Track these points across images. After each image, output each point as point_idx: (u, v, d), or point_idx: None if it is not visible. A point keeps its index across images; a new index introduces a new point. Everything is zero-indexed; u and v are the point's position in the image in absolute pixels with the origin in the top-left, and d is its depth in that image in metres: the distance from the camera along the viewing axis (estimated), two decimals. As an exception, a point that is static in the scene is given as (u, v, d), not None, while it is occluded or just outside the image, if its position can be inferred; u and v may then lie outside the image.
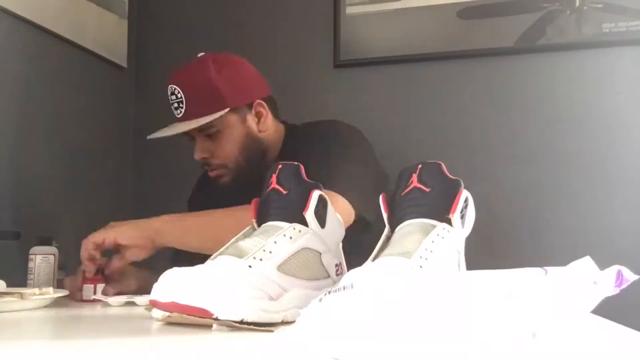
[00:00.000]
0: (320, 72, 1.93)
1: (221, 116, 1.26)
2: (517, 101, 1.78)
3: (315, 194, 0.77)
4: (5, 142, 1.50)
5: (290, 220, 0.76)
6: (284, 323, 0.70)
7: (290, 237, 0.74)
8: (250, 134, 1.32)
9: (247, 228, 0.80)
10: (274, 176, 0.79)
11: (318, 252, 0.78)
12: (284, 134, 1.40)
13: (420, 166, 0.77)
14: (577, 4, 1.73)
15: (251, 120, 1.32)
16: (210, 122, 1.25)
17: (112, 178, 1.96)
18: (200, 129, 1.26)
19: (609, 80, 1.72)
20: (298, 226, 0.76)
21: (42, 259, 1.18)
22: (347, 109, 1.83)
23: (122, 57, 1.98)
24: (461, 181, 0.76)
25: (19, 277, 1.17)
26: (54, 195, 1.66)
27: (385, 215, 0.77)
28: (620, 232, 1.66)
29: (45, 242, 1.21)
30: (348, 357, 0.48)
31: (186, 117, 1.25)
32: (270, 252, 0.72)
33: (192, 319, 0.71)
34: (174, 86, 1.26)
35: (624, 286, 0.56)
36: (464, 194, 0.74)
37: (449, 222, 0.72)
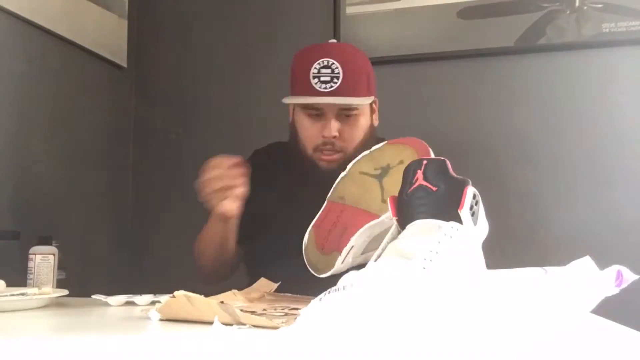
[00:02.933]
0: (320, 72, 1.93)
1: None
2: (517, 101, 1.78)
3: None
4: (6, 142, 1.50)
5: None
6: (283, 323, 0.70)
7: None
8: (372, 125, 1.35)
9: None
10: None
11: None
12: None
13: (425, 162, 0.76)
14: (577, 4, 1.73)
15: (373, 112, 1.37)
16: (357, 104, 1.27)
17: (112, 178, 1.96)
18: (342, 108, 1.27)
19: (609, 80, 1.72)
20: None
21: (42, 259, 1.18)
22: (347, 109, 1.82)
23: (122, 57, 1.98)
24: (468, 180, 0.76)
25: (18, 277, 1.17)
26: (54, 195, 1.66)
27: (394, 218, 0.77)
28: (620, 232, 1.66)
29: (45, 242, 1.21)
30: (348, 357, 0.48)
31: (336, 94, 1.25)
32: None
33: (192, 317, 0.71)
34: (334, 61, 1.25)
35: (623, 286, 0.56)
36: (471, 189, 0.74)
37: (458, 219, 0.72)
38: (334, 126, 1.26)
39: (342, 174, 1.03)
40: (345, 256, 0.92)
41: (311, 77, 1.24)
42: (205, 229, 1.31)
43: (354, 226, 0.91)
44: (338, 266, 0.92)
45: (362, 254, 0.94)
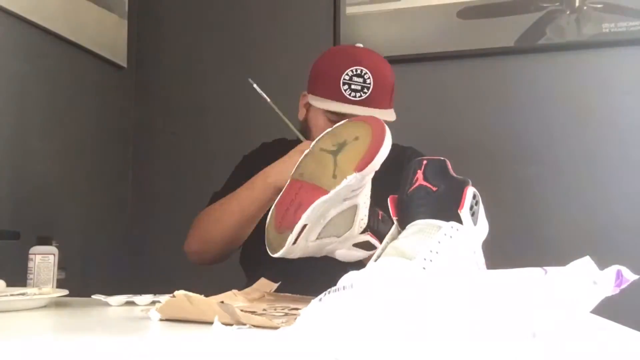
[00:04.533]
0: (320, 72, 1.93)
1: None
2: (517, 101, 1.78)
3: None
4: (5, 142, 1.50)
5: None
6: (283, 323, 0.70)
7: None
8: None
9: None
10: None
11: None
12: None
13: (425, 162, 0.76)
14: (577, 4, 1.73)
15: None
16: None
17: (112, 178, 1.96)
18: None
19: (609, 80, 1.72)
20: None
21: (41, 259, 1.18)
22: (347, 109, 1.82)
23: (122, 57, 1.98)
24: (468, 180, 0.76)
25: (18, 277, 1.17)
26: (54, 195, 1.66)
27: (394, 218, 0.77)
28: (620, 232, 1.66)
29: (45, 242, 1.21)
30: (348, 357, 0.48)
31: (366, 103, 1.23)
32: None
33: (192, 316, 0.71)
34: (364, 69, 1.23)
35: (624, 286, 0.56)
36: (471, 189, 0.74)
37: (458, 219, 0.72)
38: None
39: (306, 151, 0.98)
40: (297, 236, 0.87)
41: (341, 84, 1.23)
42: (233, 198, 1.24)
43: (308, 203, 0.88)
44: (289, 247, 0.88)
45: (317, 238, 0.90)
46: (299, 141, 1.30)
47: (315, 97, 1.28)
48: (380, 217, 0.96)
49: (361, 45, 1.33)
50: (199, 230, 1.30)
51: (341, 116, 1.23)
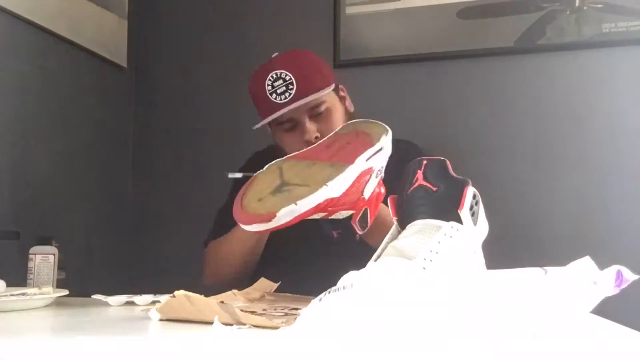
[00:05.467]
0: (320, 72, 1.93)
1: (327, 93, 1.29)
2: (517, 101, 1.78)
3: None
4: (6, 142, 1.50)
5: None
6: (283, 323, 0.70)
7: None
8: (347, 112, 1.36)
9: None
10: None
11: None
12: None
13: (425, 162, 0.76)
14: (577, 4, 1.73)
15: (342, 99, 1.37)
16: (321, 99, 1.27)
17: (112, 178, 1.96)
18: (311, 108, 1.28)
19: (609, 80, 1.72)
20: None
21: (42, 259, 1.18)
22: (347, 109, 1.82)
23: (122, 57, 1.98)
24: (468, 180, 0.76)
25: (18, 277, 1.17)
26: (54, 195, 1.66)
27: (394, 218, 0.77)
28: (620, 231, 1.66)
29: (45, 242, 1.21)
30: (348, 357, 0.48)
31: (297, 98, 1.25)
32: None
33: (192, 316, 0.71)
34: (281, 70, 1.27)
35: (623, 286, 0.56)
36: (471, 189, 0.74)
37: (458, 219, 0.72)
38: (311, 129, 1.27)
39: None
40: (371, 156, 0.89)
41: (268, 94, 1.26)
42: (233, 235, 1.30)
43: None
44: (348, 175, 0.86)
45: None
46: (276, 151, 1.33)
47: (261, 120, 1.31)
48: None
49: (276, 53, 1.36)
50: (210, 268, 1.37)
51: (290, 121, 1.28)
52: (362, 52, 1.89)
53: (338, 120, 1.30)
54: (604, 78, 1.72)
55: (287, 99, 1.25)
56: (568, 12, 1.74)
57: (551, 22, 1.74)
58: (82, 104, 1.79)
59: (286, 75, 1.26)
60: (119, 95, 2.01)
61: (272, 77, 1.27)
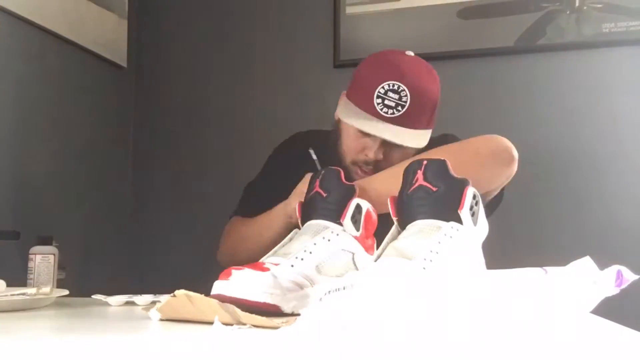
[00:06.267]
0: (320, 72, 1.93)
1: None
2: (517, 101, 1.78)
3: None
4: (6, 142, 1.50)
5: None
6: (284, 323, 0.70)
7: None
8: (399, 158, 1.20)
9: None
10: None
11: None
12: None
13: (425, 163, 0.76)
14: (577, 4, 1.73)
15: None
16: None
17: (112, 178, 1.96)
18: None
19: (609, 80, 1.72)
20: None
21: (42, 259, 1.18)
22: (347, 109, 1.82)
23: (122, 57, 1.98)
24: (468, 180, 0.76)
25: (19, 277, 1.17)
26: (54, 195, 1.66)
27: (394, 218, 0.77)
28: (620, 232, 1.66)
29: (45, 242, 1.21)
30: (348, 356, 0.48)
31: (398, 121, 1.15)
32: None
33: (192, 316, 0.71)
34: (402, 85, 1.15)
35: (623, 286, 0.56)
36: (471, 190, 0.74)
37: (458, 219, 0.72)
38: (379, 152, 1.16)
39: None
40: None
41: (375, 97, 1.15)
42: (258, 221, 1.23)
43: None
44: None
45: None
46: (332, 143, 1.25)
47: (349, 103, 1.21)
48: None
49: (412, 53, 1.25)
50: (226, 245, 1.33)
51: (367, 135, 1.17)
52: (362, 52, 1.88)
53: (409, 153, 1.18)
54: (604, 78, 1.72)
55: (387, 115, 1.14)
56: (568, 12, 1.74)
57: (551, 22, 1.74)
58: (82, 104, 1.79)
59: (405, 95, 1.14)
60: (119, 95, 2.01)
61: (392, 85, 1.15)
